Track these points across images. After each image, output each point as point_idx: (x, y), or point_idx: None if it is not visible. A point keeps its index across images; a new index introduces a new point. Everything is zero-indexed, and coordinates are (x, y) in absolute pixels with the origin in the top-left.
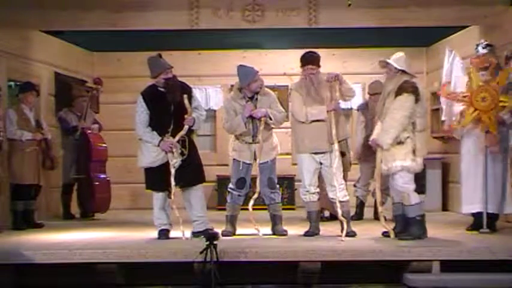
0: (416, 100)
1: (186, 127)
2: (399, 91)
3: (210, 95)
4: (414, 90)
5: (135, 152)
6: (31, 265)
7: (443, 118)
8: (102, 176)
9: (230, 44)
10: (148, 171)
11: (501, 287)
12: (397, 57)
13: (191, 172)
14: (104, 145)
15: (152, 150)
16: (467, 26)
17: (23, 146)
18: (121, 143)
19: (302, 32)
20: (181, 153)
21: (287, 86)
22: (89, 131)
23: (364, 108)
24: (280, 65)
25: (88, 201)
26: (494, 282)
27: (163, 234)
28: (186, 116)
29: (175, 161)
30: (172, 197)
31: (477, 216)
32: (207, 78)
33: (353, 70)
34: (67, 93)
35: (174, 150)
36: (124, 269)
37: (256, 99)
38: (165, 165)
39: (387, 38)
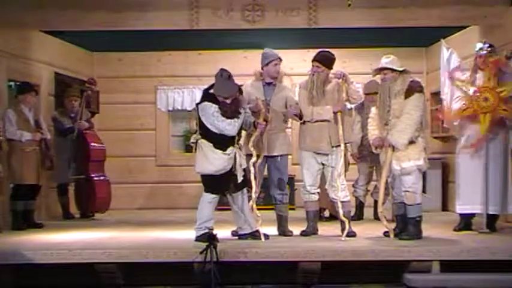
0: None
1: (259, 130)
2: (410, 91)
3: None
4: (422, 90)
5: (135, 152)
6: (31, 265)
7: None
8: (102, 176)
9: (230, 44)
10: (209, 176)
11: (501, 287)
12: (391, 60)
13: (244, 176)
14: (102, 145)
15: (222, 160)
16: (467, 26)
17: (23, 146)
18: (121, 143)
19: (302, 32)
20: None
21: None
22: (86, 131)
23: (360, 107)
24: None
25: (88, 202)
26: (494, 282)
27: (207, 238)
28: (258, 121)
29: (253, 160)
30: (254, 195)
31: (469, 216)
32: (207, 78)
33: (353, 70)
34: (61, 94)
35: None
36: (124, 269)
37: (275, 85)
38: (228, 171)
39: (387, 38)
